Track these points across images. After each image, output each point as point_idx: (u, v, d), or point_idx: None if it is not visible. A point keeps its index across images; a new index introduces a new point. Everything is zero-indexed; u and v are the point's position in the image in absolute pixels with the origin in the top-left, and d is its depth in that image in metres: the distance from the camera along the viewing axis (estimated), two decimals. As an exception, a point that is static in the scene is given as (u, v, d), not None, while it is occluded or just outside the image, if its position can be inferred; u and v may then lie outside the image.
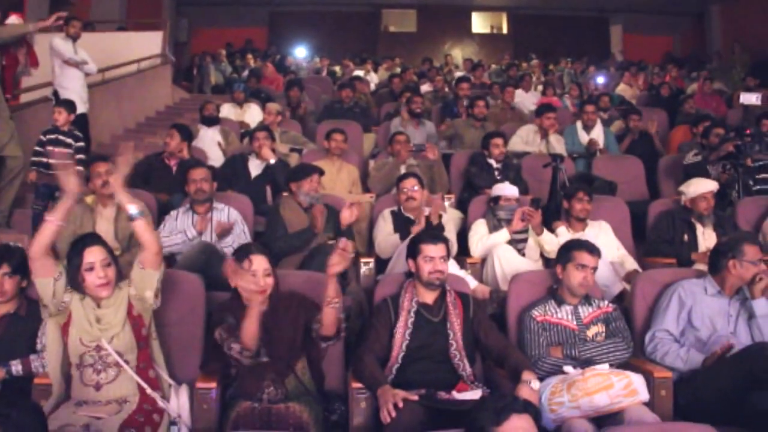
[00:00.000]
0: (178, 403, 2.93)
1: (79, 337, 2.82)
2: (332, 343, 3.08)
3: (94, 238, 2.97)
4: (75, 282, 2.85)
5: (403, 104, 7.58)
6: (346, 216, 4.38)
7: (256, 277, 2.96)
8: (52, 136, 5.71)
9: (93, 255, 2.85)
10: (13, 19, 6.32)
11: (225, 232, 4.43)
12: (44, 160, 5.65)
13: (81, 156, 5.74)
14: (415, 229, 4.39)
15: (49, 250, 2.80)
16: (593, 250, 3.38)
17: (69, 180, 2.79)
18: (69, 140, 5.76)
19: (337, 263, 2.90)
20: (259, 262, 3.00)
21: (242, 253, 3.07)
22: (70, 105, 5.96)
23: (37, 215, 5.57)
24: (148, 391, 2.84)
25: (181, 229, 4.44)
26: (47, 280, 2.80)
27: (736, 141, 5.48)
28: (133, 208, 2.83)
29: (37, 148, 5.73)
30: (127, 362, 2.86)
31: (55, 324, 2.87)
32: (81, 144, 5.88)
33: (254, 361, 2.90)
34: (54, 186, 5.56)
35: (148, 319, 3.00)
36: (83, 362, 2.84)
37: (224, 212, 4.57)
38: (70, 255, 2.88)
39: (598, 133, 6.80)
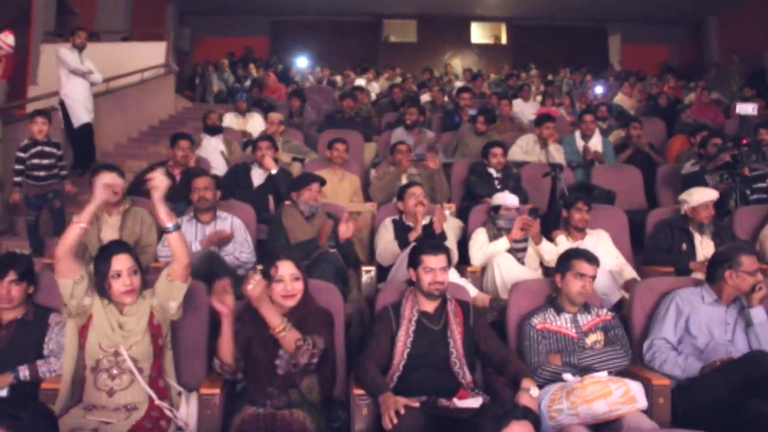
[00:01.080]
0: (188, 411, 2.96)
1: (98, 341, 2.86)
2: (306, 369, 2.94)
3: (121, 246, 3.02)
4: (101, 288, 2.90)
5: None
6: (343, 231, 4.39)
7: (284, 282, 2.99)
8: (36, 150, 5.66)
9: (120, 263, 2.90)
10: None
11: (223, 241, 4.45)
12: (34, 173, 5.65)
13: (63, 163, 5.82)
14: (413, 236, 4.43)
15: (74, 252, 2.85)
16: (592, 259, 3.41)
17: (100, 189, 2.89)
18: (53, 150, 5.75)
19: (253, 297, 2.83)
20: (286, 268, 3.01)
21: (269, 261, 3.07)
22: (47, 114, 5.92)
23: (32, 226, 5.63)
24: (157, 402, 2.87)
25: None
26: (68, 281, 2.84)
27: (733, 151, 5.51)
28: (169, 222, 2.90)
29: (18, 167, 5.65)
30: (141, 370, 2.89)
31: (74, 326, 2.92)
32: (61, 151, 5.89)
33: (233, 377, 2.97)
34: (45, 195, 5.61)
35: (166, 329, 3.05)
36: (99, 366, 2.87)
37: (227, 221, 4.59)
38: (98, 261, 2.93)
39: (596, 143, 6.84)
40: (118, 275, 2.89)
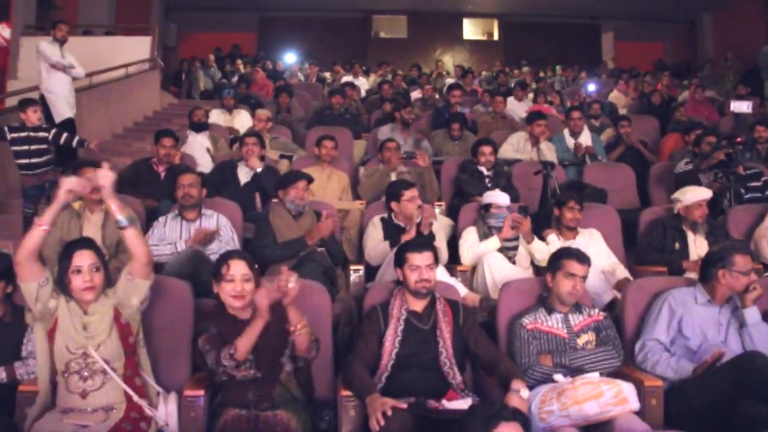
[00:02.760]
0: (166, 410, 2.90)
1: (65, 344, 2.79)
2: (309, 359, 3.05)
3: (86, 243, 2.94)
4: (62, 284, 2.82)
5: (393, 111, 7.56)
6: (323, 228, 4.30)
7: (234, 282, 2.93)
8: (22, 134, 5.62)
9: (82, 259, 2.82)
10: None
11: (207, 239, 4.38)
12: (25, 161, 5.59)
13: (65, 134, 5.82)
14: (406, 238, 4.36)
15: (36, 255, 2.76)
16: (583, 259, 3.37)
17: (63, 193, 2.74)
18: (40, 134, 5.71)
19: (281, 296, 2.85)
20: (238, 268, 2.96)
21: (221, 259, 3.04)
22: (39, 103, 5.90)
23: (28, 218, 5.55)
24: (135, 398, 2.81)
25: (170, 237, 4.42)
26: (32, 284, 2.75)
27: (727, 149, 5.48)
28: (121, 217, 2.80)
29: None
30: (114, 370, 2.83)
31: (43, 330, 2.84)
32: (53, 129, 5.85)
33: (241, 372, 2.88)
34: (41, 186, 5.54)
35: (136, 327, 2.97)
36: (69, 369, 2.80)
37: (213, 219, 4.55)
38: (61, 257, 2.86)
39: (585, 140, 6.84)
40: (78, 271, 2.80)
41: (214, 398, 3.02)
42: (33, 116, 5.62)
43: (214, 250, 4.34)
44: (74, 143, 5.89)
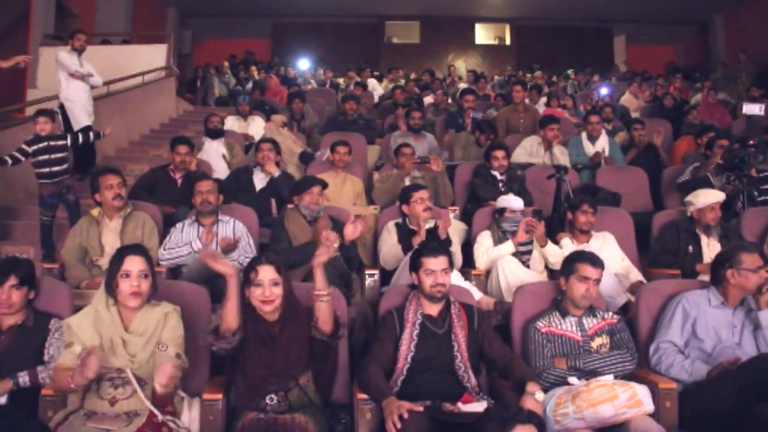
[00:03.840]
0: (190, 416, 2.94)
1: (102, 363, 2.79)
2: (333, 343, 3.08)
3: (138, 249, 3.01)
4: (109, 286, 2.89)
5: (401, 116, 7.56)
6: (350, 232, 4.30)
7: (262, 288, 2.96)
8: (42, 145, 5.61)
9: (132, 263, 2.90)
10: None
11: (230, 247, 4.43)
12: (46, 170, 5.61)
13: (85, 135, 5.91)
14: (416, 240, 4.39)
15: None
16: (596, 262, 3.38)
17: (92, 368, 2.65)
18: (60, 142, 5.72)
19: (321, 254, 2.98)
20: (266, 273, 2.98)
21: (250, 264, 3.05)
22: (50, 113, 5.90)
23: (46, 226, 5.60)
24: (161, 418, 2.78)
25: (186, 241, 4.46)
26: None
27: (740, 153, 5.46)
28: None
29: (17, 154, 5.60)
30: (145, 383, 2.85)
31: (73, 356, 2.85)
32: (69, 136, 5.88)
33: (221, 344, 2.92)
34: (59, 193, 5.59)
35: None
36: (103, 377, 2.84)
37: (230, 225, 4.59)
38: (113, 260, 2.95)
39: (603, 144, 6.81)
40: (127, 275, 2.88)
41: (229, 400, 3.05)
42: (46, 126, 5.63)
43: (233, 258, 4.38)
44: (92, 138, 5.91)
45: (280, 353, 2.95)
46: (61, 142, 5.70)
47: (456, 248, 4.63)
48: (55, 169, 5.58)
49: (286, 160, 6.59)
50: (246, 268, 3.06)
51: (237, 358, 2.99)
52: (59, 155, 5.64)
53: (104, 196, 4.43)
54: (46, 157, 5.57)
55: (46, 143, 5.59)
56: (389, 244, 4.59)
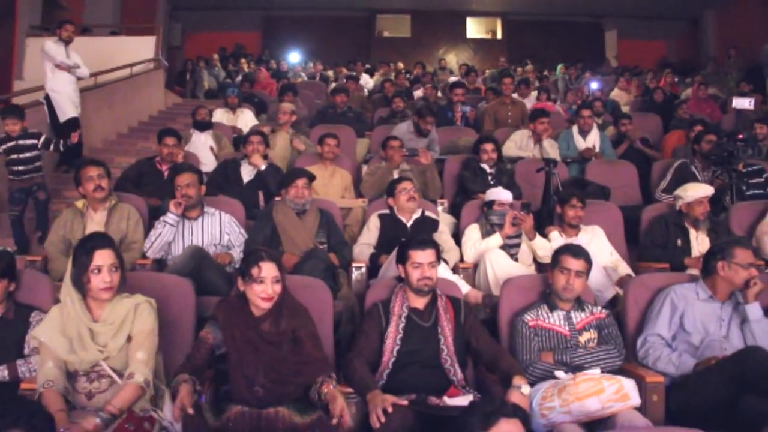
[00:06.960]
0: (172, 409, 2.90)
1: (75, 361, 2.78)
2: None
3: (105, 240, 2.88)
4: (79, 282, 2.78)
5: (411, 116, 7.41)
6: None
7: (264, 285, 2.91)
8: (10, 144, 5.56)
9: (102, 258, 2.78)
10: None
11: (224, 263, 4.36)
12: (14, 168, 5.58)
13: (52, 145, 5.72)
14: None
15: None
16: (577, 254, 3.36)
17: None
18: (28, 141, 5.64)
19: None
20: (269, 270, 2.93)
21: (252, 260, 2.98)
22: (20, 112, 5.79)
23: (16, 222, 5.57)
24: (137, 414, 2.74)
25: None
26: None
27: (729, 147, 5.47)
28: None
29: None
30: (121, 375, 2.79)
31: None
32: (43, 136, 5.76)
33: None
34: (28, 189, 5.55)
35: None
36: (77, 372, 2.79)
37: (215, 217, 4.55)
38: (78, 253, 2.80)
39: (594, 138, 6.82)
40: (99, 270, 2.77)
41: (217, 394, 3.02)
42: (15, 127, 5.56)
43: (235, 260, 4.40)
44: (61, 147, 5.78)
45: (267, 347, 2.92)
46: (30, 142, 5.62)
47: (450, 243, 4.65)
48: (22, 168, 5.53)
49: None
50: (246, 263, 3.00)
51: (223, 354, 2.96)
52: (27, 155, 5.58)
53: (86, 188, 4.38)
54: (14, 156, 5.53)
55: (14, 142, 5.55)
56: (362, 243, 4.66)
